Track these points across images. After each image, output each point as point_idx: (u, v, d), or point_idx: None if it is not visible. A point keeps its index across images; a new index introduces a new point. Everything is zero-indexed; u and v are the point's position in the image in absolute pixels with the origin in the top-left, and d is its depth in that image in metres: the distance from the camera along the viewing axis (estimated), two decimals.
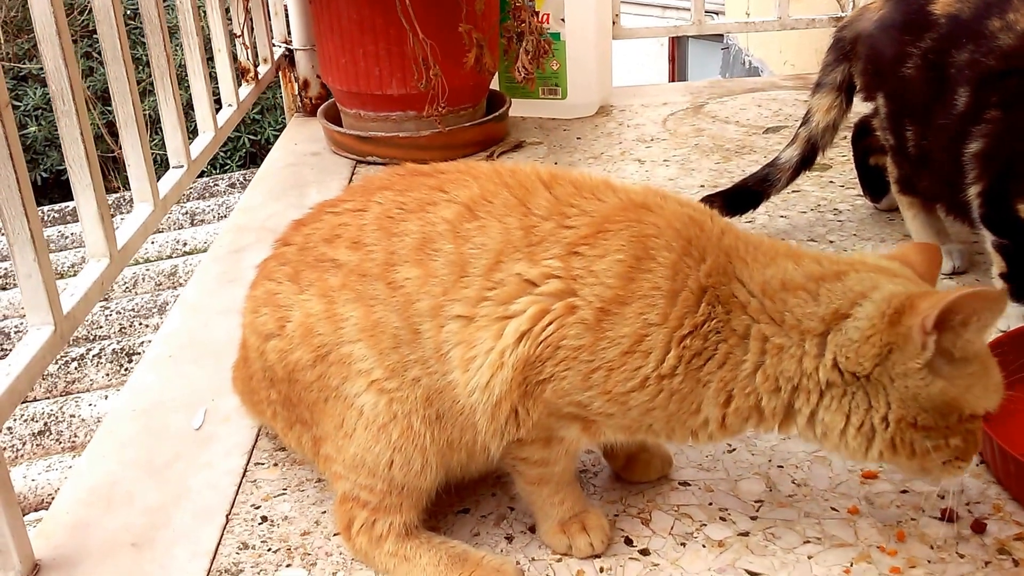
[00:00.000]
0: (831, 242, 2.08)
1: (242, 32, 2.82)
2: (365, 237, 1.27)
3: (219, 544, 1.36)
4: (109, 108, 5.54)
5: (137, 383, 1.78)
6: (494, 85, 2.98)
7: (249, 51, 2.87)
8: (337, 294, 1.26)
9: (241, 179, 4.17)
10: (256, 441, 1.57)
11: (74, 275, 3.13)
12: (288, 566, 1.32)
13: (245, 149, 5.68)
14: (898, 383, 1.10)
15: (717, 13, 7.00)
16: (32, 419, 2.08)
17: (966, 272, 1.91)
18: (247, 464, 1.53)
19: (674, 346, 1.14)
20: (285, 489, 1.47)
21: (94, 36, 5.64)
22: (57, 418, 2.09)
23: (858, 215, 2.21)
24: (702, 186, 2.43)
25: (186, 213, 3.58)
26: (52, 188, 5.39)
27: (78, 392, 2.26)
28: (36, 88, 5.62)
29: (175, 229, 3.48)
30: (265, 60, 3.03)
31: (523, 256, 1.19)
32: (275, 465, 1.52)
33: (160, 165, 2.05)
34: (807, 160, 2.09)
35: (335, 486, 1.34)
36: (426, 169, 1.33)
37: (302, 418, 1.33)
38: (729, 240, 1.19)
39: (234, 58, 2.75)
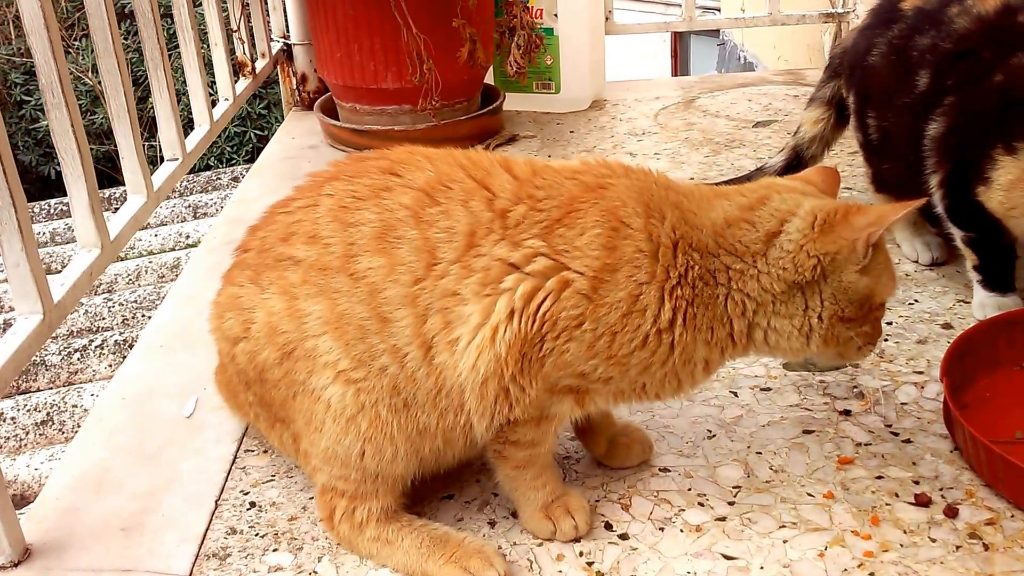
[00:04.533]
0: None
1: (239, 27, 2.84)
2: (321, 231, 1.28)
3: (207, 529, 1.39)
4: None
5: (128, 372, 1.80)
6: (488, 79, 3.00)
7: (246, 46, 2.89)
8: (298, 289, 1.27)
9: (244, 173, 4.20)
10: (246, 429, 1.59)
11: None
12: (275, 551, 1.35)
13: (251, 144, 5.69)
14: (833, 284, 1.26)
15: (716, 9, 7.02)
16: (35, 409, 2.11)
17: (946, 263, 1.93)
18: (237, 451, 1.55)
19: (667, 298, 1.22)
20: (273, 476, 1.49)
21: None
22: (60, 408, 2.12)
23: None
24: (691, 178, 2.45)
25: (189, 206, 3.61)
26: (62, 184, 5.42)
27: (80, 383, 2.29)
28: None
29: (178, 222, 3.51)
30: (263, 55, 3.05)
31: (500, 238, 1.22)
32: (264, 452, 1.54)
33: (155, 164, 2.07)
34: (791, 167, 2.14)
35: (314, 479, 1.37)
36: (373, 154, 1.35)
37: (279, 416, 1.35)
38: (673, 196, 1.28)
39: (231, 53, 2.77)
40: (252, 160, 5.64)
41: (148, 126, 4.59)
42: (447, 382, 1.24)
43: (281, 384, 1.30)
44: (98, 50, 1.81)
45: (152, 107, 2.11)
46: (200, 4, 2.64)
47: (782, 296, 1.25)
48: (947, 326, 1.73)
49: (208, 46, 2.65)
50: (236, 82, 2.75)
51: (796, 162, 2.14)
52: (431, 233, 1.23)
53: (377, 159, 1.33)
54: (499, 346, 1.20)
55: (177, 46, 2.38)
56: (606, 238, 1.21)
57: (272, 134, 5.59)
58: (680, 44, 9.43)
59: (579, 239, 1.21)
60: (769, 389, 1.59)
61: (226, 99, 2.64)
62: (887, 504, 1.33)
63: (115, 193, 3.77)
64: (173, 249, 3.23)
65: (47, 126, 1.56)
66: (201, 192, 3.95)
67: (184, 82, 2.39)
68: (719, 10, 6.80)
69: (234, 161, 5.59)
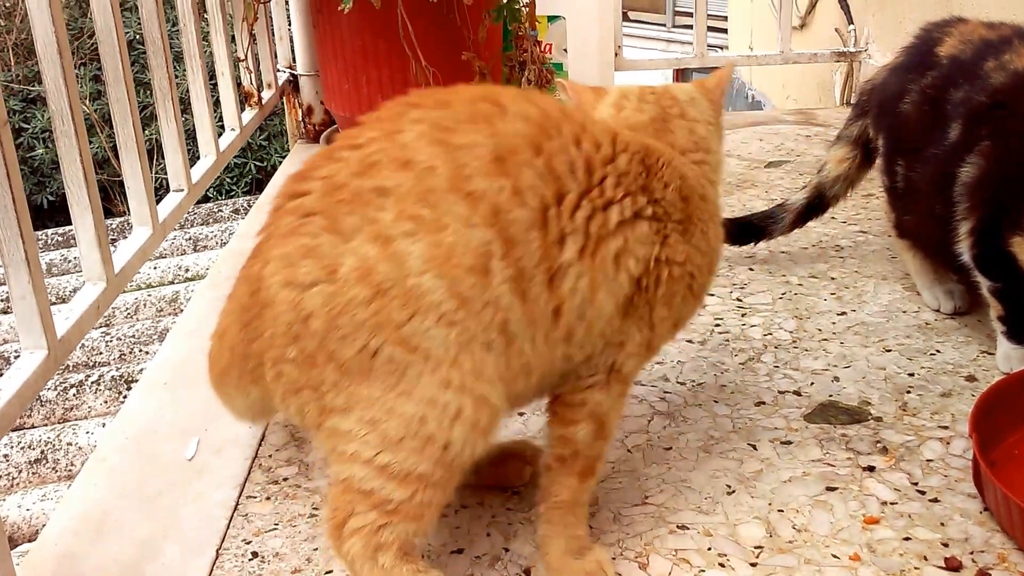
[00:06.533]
0: (832, 278, 2.07)
1: (246, 56, 2.81)
2: (416, 156, 1.15)
3: None
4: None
5: (130, 410, 1.75)
6: None
7: (253, 76, 2.87)
8: (393, 228, 1.12)
9: (245, 205, 4.18)
10: (249, 474, 1.55)
11: None
12: None
13: (251, 175, 5.69)
14: None
15: (720, 47, 7.02)
16: (29, 447, 2.06)
17: (968, 312, 1.90)
18: (239, 497, 1.50)
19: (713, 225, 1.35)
20: (276, 524, 1.44)
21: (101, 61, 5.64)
22: (54, 446, 2.08)
23: (859, 252, 2.20)
24: None
25: (189, 239, 3.58)
26: (58, 211, 5.39)
27: (76, 419, 2.25)
28: (44, 111, 5.64)
29: (178, 255, 3.48)
30: (269, 85, 3.03)
31: (616, 184, 1.24)
32: (267, 499, 1.49)
33: (164, 191, 2.04)
34: (813, 206, 2.10)
35: (341, 469, 1.17)
36: (456, 88, 1.25)
37: (318, 381, 1.16)
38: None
39: (238, 82, 2.74)
40: (252, 191, 5.64)
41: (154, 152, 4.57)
42: (568, 312, 1.19)
43: (364, 328, 1.12)
44: (108, 78, 1.78)
45: (155, 133, 2.09)
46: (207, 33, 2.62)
47: None
48: (971, 378, 1.69)
49: (215, 75, 2.62)
50: (242, 112, 2.72)
51: (818, 201, 2.10)
52: (555, 163, 1.18)
53: (466, 89, 1.24)
54: (627, 286, 1.23)
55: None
56: (683, 190, 1.29)
57: (272, 165, 5.60)
58: (684, 80, 9.45)
59: (667, 191, 1.27)
60: (790, 443, 1.55)
61: (232, 129, 2.60)
62: (916, 568, 1.29)
63: (111, 224, 3.74)
64: (172, 282, 3.20)
65: (42, 155, 1.53)
66: (202, 224, 3.93)
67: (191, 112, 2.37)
68: (721, 47, 6.80)
69: (233, 193, 5.58)
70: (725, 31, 6.56)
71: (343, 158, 1.18)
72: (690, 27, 3.64)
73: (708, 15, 3.44)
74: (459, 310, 1.12)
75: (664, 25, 10.66)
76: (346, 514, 1.18)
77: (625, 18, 3.56)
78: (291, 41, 3.21)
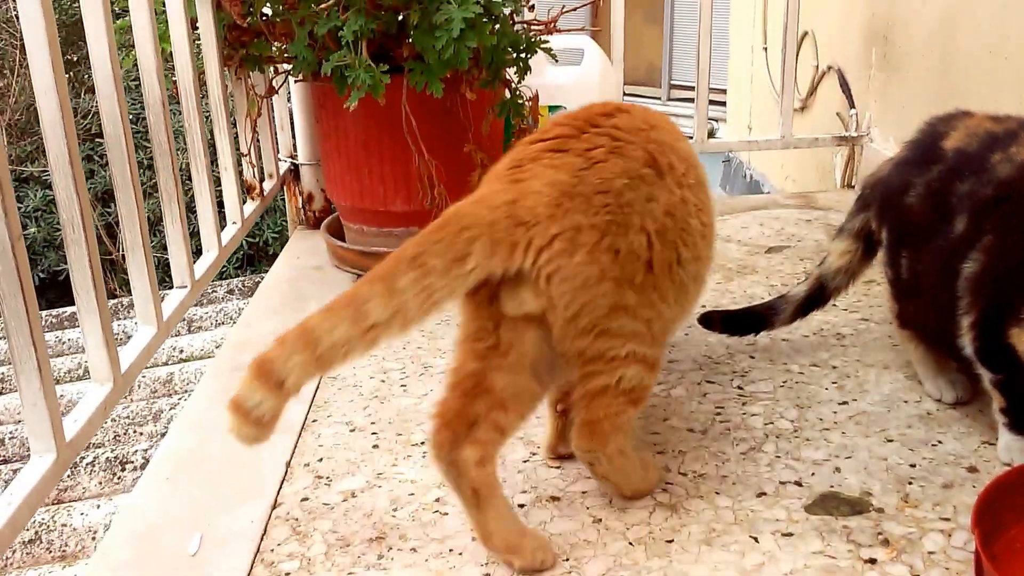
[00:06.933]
0: (834, 367, 2.09)
1: (249, 151, 2.86)
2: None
3: None
4: (109, 210, 5.61)
5: (135, 503, 1.76)
6: None
7: (255, 168, 2.91)
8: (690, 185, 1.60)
9: (240, 285, 4.19)
10: (252, 568, 1.55)
11: (70, 381, 3.14)
12: None
13: (243, 252, 5.71)
14: None
15: (718, 119, 7.08)
16: (26, 525, 2.06)
17: (969, 402, 1.91)
18: None
19: None
20: None
21: (96, 140, 5.73)
22: (48, 527, 2.08)
23: (861, 340, 2.22)
24: (704, 306, 2.44)
25: (184, 320, 3.59)
26: (49, 288, 5.42)
27: (70, 500, 2.25)
28: (37, 190, 5.70)
29: (172, 336, 3.49)
30: (271, 175, 3.07)
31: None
32: None
33: (159, 266, 2.07)
34: (814, 298, 2.12)
35: (608, 376, 1.46)
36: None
37: (630, 275, 1.44)
38: None
39: (240, 175, 2.78)
40: (243, 268, 5.67)
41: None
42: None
43: (673, 247, 1.50)
44: (116, 182, 1.81)
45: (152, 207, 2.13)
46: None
47: None
48: (972, 469, 1.70)
49: (217, 169, 2.66)
50: (244, 204, 2.75)
51: (819, 292, 2.12)
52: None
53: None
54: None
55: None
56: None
57: (264, 241, 5.64)
58: None
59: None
60: (791, 534, 1.55)
61: (234, 223, 2.64)
62: None
63: (108, 304, 3.77)
64: (167, 363, 3.20)
65: (35, 233, 1.57)
66: (196, 305, 3.94)
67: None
68: (718, 120, 6.86)
69: (225, 270, 5.59)
70: (723, 103, 6.63)
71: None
72: (686, 100, 3.69)
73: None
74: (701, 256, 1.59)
75: (660, 99, 10.81)
76: (612, 416, 1.48)
77: None
78: (292, 130, 3.26)
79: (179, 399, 2.77)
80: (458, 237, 1.34)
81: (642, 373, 1.49)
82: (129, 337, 1.96)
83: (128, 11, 2.04)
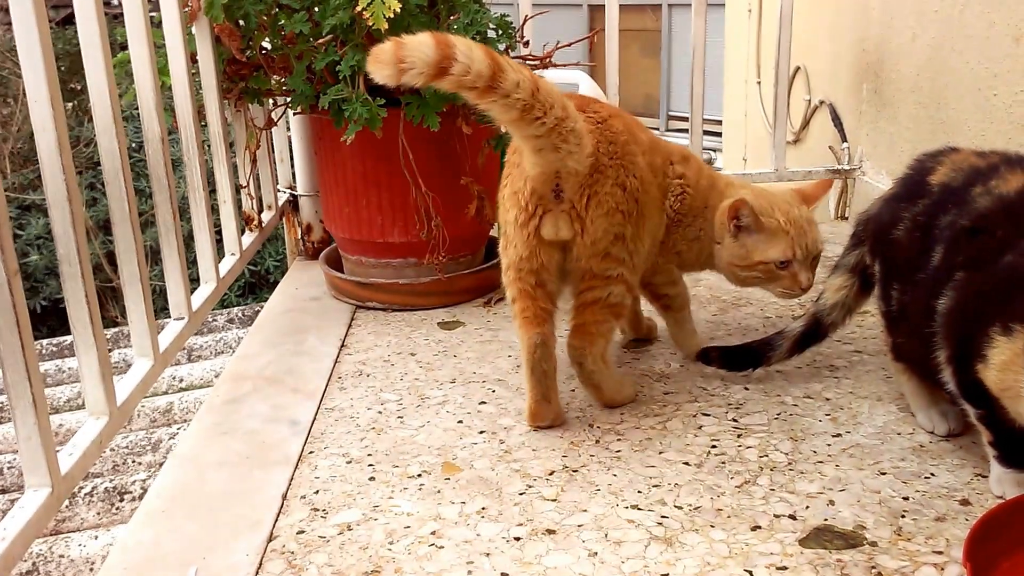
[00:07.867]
0: (827, 399, 2.09)
1: (248, 183, 2.87)
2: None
3: None
4: (110, 238, 5.62)
5: (130, 539, 1.76)
6: (494, 233, 3.03)
7: (254, 200, 2.92)
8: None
9: (240, 315, 4.18)
10: None
11: (70, 410, 3.14)
12: None
13: (244, 279, 5.71)
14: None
15: (714, 150, 7.11)
16: (21, 559, 2.06)
17: (962, 434, 1.92)
18: None
19: None
20: None
21: (99, 168, 5.72)
22: (46, 558, 2.07)
23: (854, 372, 2.23)
24: (711, 339, 2.45)
25: (183, 349, 3.58)
26: (50, 315, 5.42)
27: (68, 531, 2.24)
28: (38, 217, 5.71)
29: (172, 365, 3.48)
30: (269, 207, 3.08)
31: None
32: None
33: (157, 293, 2.08)
34: (810, 334, 2.14)
35: (602, 292, 1.93)
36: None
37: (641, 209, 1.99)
38: None
39: (238, 206, 2.79)
40: (244, 295, 5.66)
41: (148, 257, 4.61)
42: None
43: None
44: (114, 218, 1.83)
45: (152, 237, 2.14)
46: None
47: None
48: (965, 502, 1.71)
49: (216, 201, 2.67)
50: (242, 235, 2.77)
51: (816, 328, 2.14)
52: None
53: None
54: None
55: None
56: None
57: (265, 269, 5.65)
58: None
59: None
60: (785, 568, 1.56)
61: (232, 254, 2.65)
62: None
63: (108, 333, 3.77)
64: (166, 392, 3.20)
65: (36, 261, 1.58)
66: (196, 335, 3.93)
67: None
68: (715, 151, 6.89)
69: (226, 298, 5.59)
70: (719, 134, 6.66)
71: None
72: (683, 130, 3.71)
73: (703, 119, 3.49)
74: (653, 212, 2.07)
75: (658, 129, 10.87)
76: (599, 322, 1.95)
77: None
78: (291, 162, 3.28)
79: (178, 428, 2.77)
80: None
81: (624, 292, 1.95)
82: (130, 366, 1.96)
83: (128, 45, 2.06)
